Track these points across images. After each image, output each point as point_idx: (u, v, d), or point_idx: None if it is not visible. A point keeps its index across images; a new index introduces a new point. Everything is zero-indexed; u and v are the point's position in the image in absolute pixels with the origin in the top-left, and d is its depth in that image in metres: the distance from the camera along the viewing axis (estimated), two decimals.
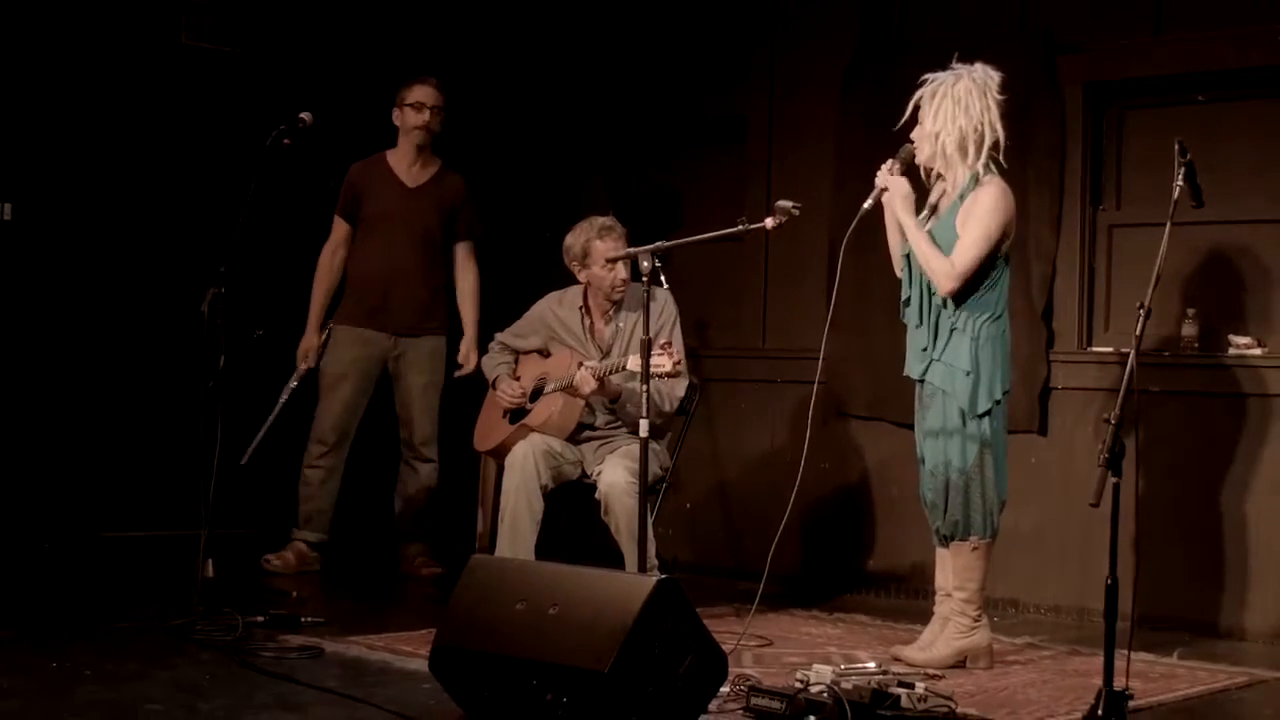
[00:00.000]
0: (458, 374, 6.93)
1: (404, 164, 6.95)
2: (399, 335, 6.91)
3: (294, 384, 7.01)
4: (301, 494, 6.97)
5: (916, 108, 5.12)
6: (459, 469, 7.06)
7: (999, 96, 5.05)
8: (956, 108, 5.02)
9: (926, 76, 5.12)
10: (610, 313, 6.04)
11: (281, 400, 6.98)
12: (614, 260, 5.88)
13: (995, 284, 5.05)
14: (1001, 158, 5.08)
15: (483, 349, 6.30)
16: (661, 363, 5.25)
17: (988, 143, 5.03)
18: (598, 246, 5.92)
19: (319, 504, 6.96)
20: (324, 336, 6.97)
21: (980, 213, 4.99)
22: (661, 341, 5.41)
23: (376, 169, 6.95)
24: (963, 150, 5.03)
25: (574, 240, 5.99)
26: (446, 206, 6.95)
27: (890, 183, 5.09)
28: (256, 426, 6.99)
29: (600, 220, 6.00)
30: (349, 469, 7.08)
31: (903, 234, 5.20)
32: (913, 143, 5.15)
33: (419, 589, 6.74)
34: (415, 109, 6.86)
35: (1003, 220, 5.01)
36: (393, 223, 6.90)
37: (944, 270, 4.99)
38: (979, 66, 5.09)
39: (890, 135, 5.25)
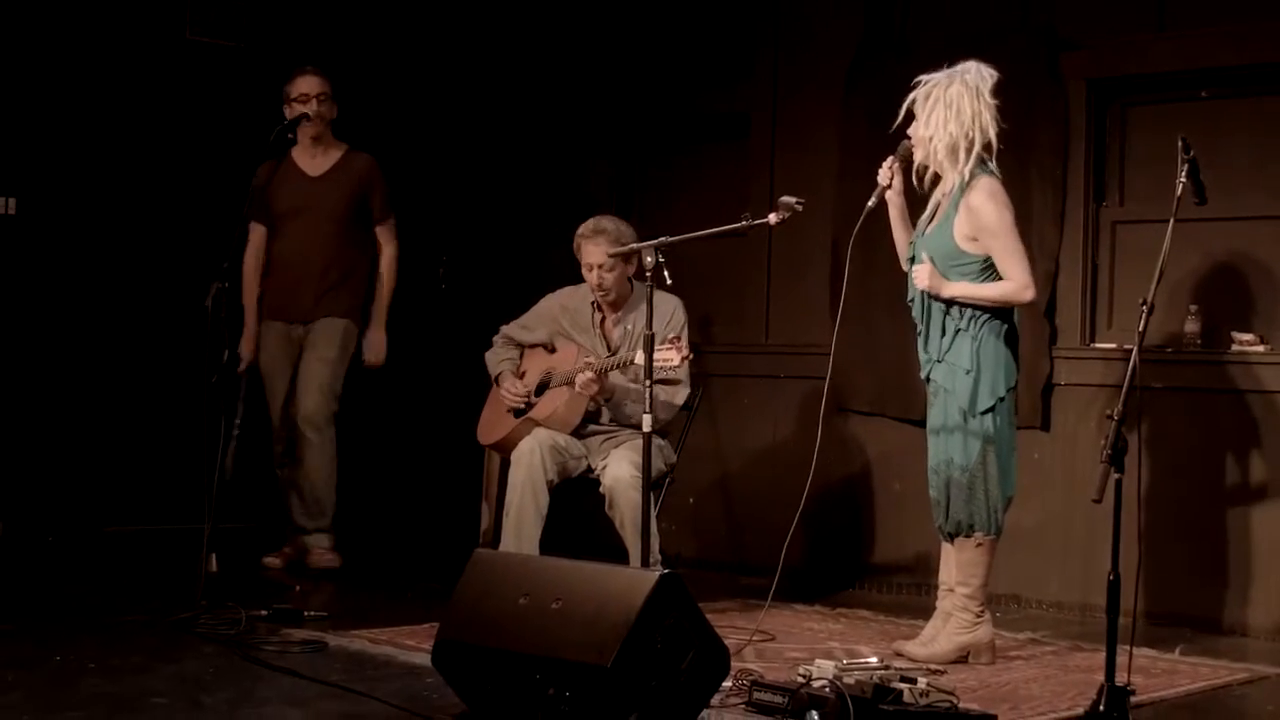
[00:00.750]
0: (366, 364, 6.88)
1: (305, 156, 6.90)
2: (305, 322, 6.87)
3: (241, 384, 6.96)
4: (284, 493, 6.96)
5: (911, 109, 5.13)
6: (462, 463, 7.07)
7: (992, 100, 5.04)
8: (948, 112, 5.01)
9: (920, 78, 5.12)
10: (619, 314, 6.04)
11: (239, 409, 6.87)
12: (592, 265, 5.89)
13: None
14: (994, 160, 5.07)
15: (486, 344, 6.29)
16: (670, 357, 5.25)
17: (978, 146, 5.02)
18: (584, 249, 5.93)
19: None
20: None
21: (990, 222, 4.97)
22: (671, 336, 5.41)
23: (280, 166, 6.87)
24: (953, 156, 5.03)
25: (575, 237, 5.99)
26: (355, 189, 6.89)
27: (919, 279, 5.07)
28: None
29: (596, 222, 5.96)
30: (348, 466, 7.07)
31: (905, 229, 5.24)
32: (909, 142, 5.16)
33: (422, 583, 6.73)
34: (301, 102, 6.80)
35: (1010, 213, 5.02)
36: (298, 214, 6.85)
37: (1011, 291, 4.99)
38: (974, 67, 5.07)
39: (893, 130, 5.26)
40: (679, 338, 5.42)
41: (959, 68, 5.07)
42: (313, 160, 6.90)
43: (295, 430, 6.81)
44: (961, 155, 5.02)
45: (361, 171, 6.91)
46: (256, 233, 6.98)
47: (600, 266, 5.88)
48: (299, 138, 6.83)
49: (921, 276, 5.06)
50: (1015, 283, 4.99)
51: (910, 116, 5.12)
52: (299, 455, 6.81)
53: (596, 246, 5.88)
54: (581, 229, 5.95)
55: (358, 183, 6.89)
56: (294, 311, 6.85)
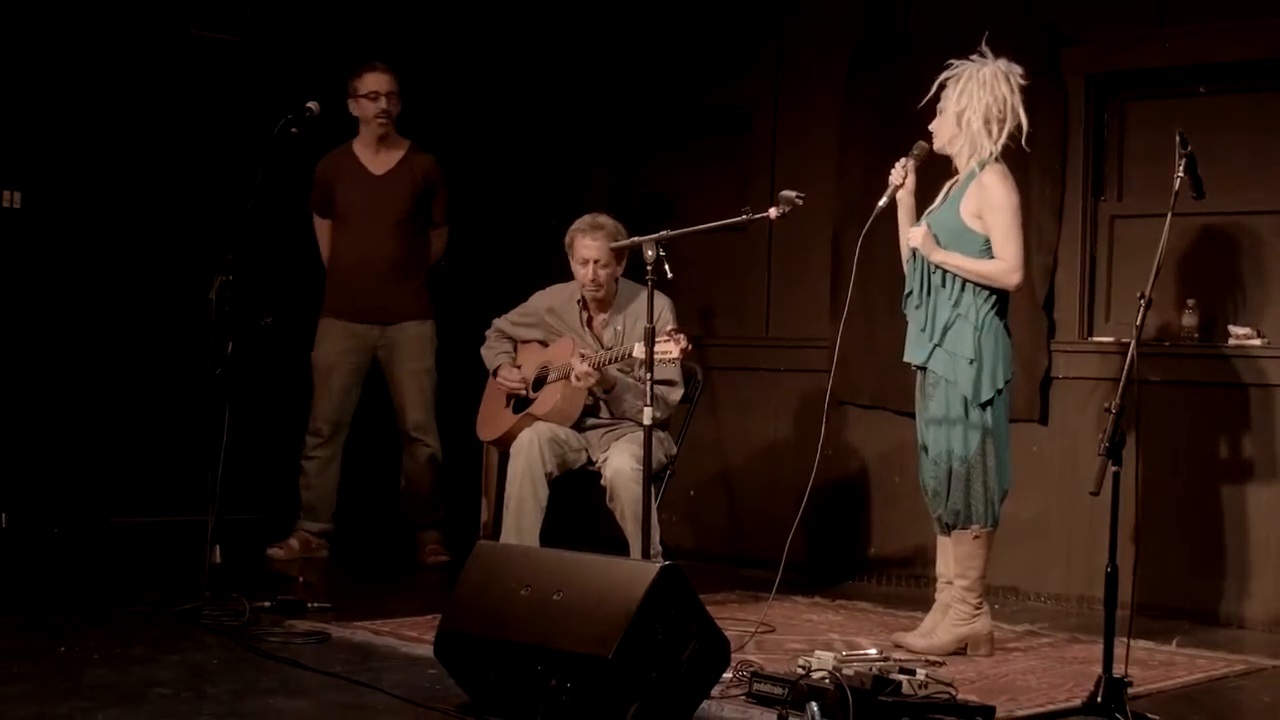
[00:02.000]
0: None
1: (369, 152, 6.91)
2: (384, 325, 6.92)
3: None
4: (301, 484, 7.00)
5: (940, 89, 5.15)
6: (462, 457, 7.09)
7: (1023, 81, 5.09)
8: (982, 89, 5.06)
9: (952, 61, 5.16)
10: (608, 314, 6.05)
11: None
12: (588, 260, 5.91)
13: None
14: (1024, 142, 5.09)
15: (480, 337, 6.31)
16: (668, 349, 5.27)
17: (1009, 126, 5.07)
18: (580, 243, 5.95)
19: (319, 493, 6.99)
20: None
21: (997, 199, 5.02)
22: (669, 329, 5.43)
23: (344, 160, 6.89)
24: (987, 128, 5.06)
25: (569, 231, 6.02)
26: (420, 187, 6.92)
27: (913, 237, 5.13)
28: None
29: (594, 217, 5.99)
30: (355, 457, 7.10)
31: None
32: (925, 142, 5.18)
33: (424, 575, 6.78)
34: (371, 99, 6.79)
35: (1017, 198, 5.06)
36: (365, 213, 6.88)
37: (998, 271, 5.02)
38: (1004, 60, 5.13)
39: (894, 125, 5.29)
40: (676, 330, 5.43)
41: (989, 56, 5.11)
42: (376, 157, 6.91)
43: (408, 438, 6.96)
44: (994, 129, 5.06)
45: (426, 170, 6.95)
46: (322, 226, 7.03)
47: (596, 262, 5.91)
48: (363, 134, 6.84)
49: (916, 235, 5.11)
50: (1006, 263, 5.02)
51: (934, 101, 5.15)
52: (413, 459, 6.97)
53: (595, 241, 5.90)
54: (577, 223, 5.98)
55: (421, 181, 6.92)
56: (365, 312, 6.90)
